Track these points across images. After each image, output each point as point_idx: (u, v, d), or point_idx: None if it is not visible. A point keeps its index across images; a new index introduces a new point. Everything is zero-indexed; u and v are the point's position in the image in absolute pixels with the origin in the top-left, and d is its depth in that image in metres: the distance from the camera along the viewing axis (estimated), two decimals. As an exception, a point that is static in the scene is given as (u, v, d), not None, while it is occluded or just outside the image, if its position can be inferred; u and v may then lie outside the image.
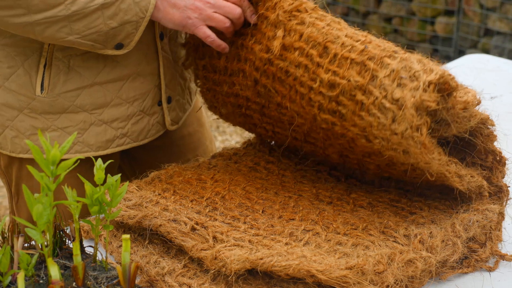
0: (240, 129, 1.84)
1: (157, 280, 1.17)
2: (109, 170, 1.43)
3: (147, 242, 1.26)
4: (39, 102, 1.41)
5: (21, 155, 1.45)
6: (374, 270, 1.08)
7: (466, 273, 1.22)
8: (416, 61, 1.11)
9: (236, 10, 1.34)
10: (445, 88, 1.09)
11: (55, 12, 1.28)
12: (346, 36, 1.21)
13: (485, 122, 1.22)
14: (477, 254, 1.24)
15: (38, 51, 1.39)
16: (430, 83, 1.07)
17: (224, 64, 1.41)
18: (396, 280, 1.10)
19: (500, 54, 4.58)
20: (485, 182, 1.25)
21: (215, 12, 1.34)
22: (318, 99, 1.23)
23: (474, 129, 1.22)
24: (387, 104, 1.11)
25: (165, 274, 1.17)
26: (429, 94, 1.07)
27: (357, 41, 1.19)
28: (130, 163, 1.63)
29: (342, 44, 1.20)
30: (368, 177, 1.42)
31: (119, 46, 1.35)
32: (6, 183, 1.54)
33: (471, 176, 1.23)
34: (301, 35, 1.25)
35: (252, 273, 1.15)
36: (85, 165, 1.35)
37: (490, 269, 1.22)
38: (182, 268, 1.18)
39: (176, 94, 1.53)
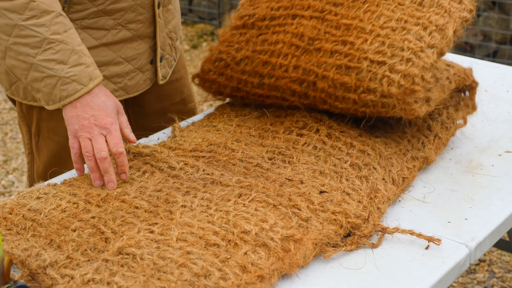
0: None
1: (39, 273, 1.14)
2: None
3: (29, 235, 1.22)
4: None
5: (31, 103, 1.63)
6: None
7: (350, 250, 1.24)
8: None
9: (101, 154, 1.38)
10: None
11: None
12: None
13: None
14: (360, 230, 1.26)
15: None
16: None
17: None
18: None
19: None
20: None
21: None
22: None
23: None
24: None
25: (47, 266, 1.14)
26: None
27: None
28: (126, 111, 1.79)
29: None
30: None
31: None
32: (26, 125, 1.69)
33: None
34: None
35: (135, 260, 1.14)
36: None
37: (373, 246, 1.25)
38: (65, 260, 1.15)
39: (166, 53, 1.74)
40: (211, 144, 1.52)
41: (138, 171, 1.44)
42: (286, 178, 1.38)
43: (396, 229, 1.27)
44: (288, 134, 1.54)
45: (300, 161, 1.45)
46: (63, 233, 1.22)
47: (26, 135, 1.71)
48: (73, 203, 1.32)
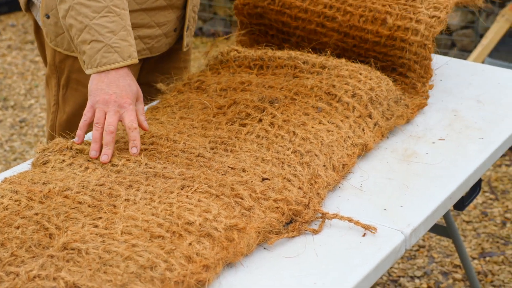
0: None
1: (-18, 272, 1.14)
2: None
3: (-28, 235, 1.22)
4: None
5: (72, 54, 1.81)
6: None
7: (292, 237, 1.28)
8: None
9: (109, 135, 1.48)
10: None
11: None
12: None
13: None
14: (301, 217, 1.30)
15: None
16: None
17: None
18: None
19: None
20: None
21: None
22: None
23: None
24: None
25: (-9, 264, 1.14)
26: None
27: None
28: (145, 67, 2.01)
29: None
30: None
31: None
32: (56, 77, 1.88)
33: None
34: None
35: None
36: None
37: (315, 232, 1.29)
38: (9, 257, 1.15)
39: (191, 24, 1.98)
40: (153, 136, 1.53)
41: (80, 167, 1.44)
42: (228, 167, 1.41)
43: (336, 215, 1.31)
44: (231, 125, 1.57)
45: (243, 149, 1.48)
46: (6, 230, 1.22)
47: (54, 88, 1.89)
48: (15, 201, 1.31)
